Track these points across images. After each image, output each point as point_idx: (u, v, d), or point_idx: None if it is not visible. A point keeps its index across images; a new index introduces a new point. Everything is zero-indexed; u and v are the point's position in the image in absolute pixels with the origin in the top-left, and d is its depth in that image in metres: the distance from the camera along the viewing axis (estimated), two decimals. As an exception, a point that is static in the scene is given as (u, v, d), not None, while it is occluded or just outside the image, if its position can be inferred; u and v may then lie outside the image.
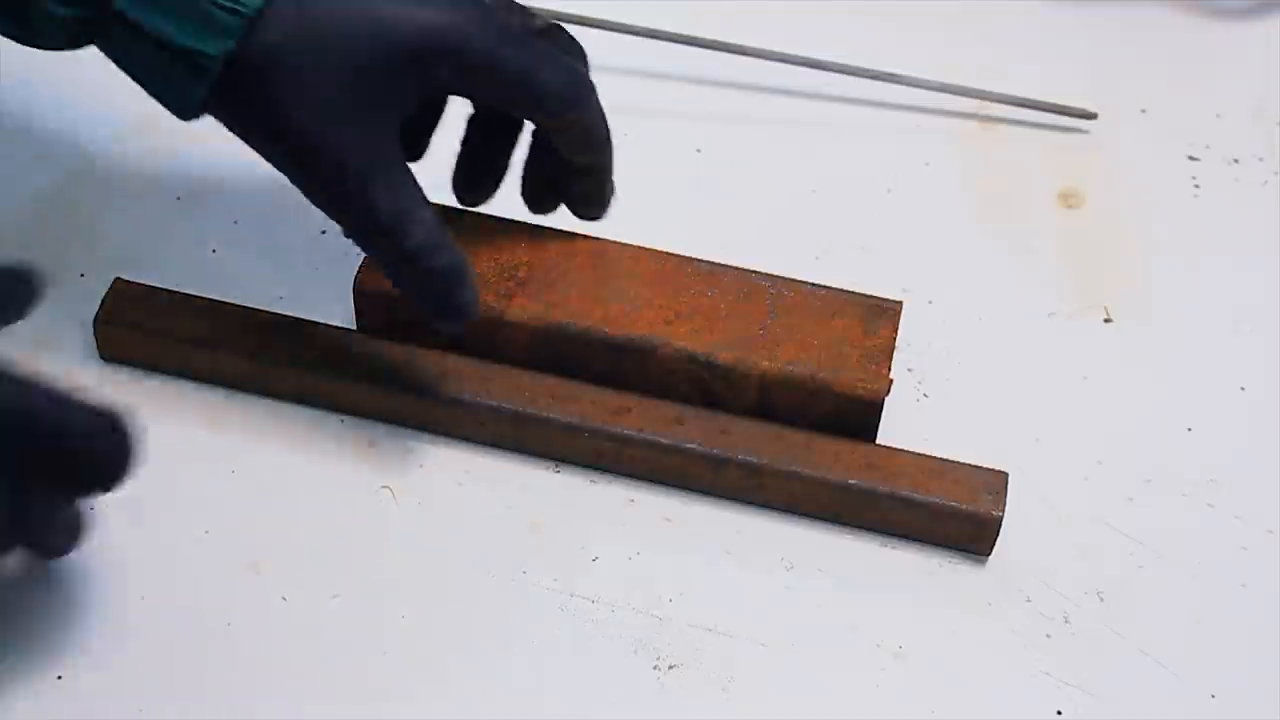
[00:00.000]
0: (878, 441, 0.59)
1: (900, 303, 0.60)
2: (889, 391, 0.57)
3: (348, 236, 0.55)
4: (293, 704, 0.52)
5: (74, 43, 0.54)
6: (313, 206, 0.65)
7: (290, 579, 0.55)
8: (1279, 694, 0.55)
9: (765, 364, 0.57)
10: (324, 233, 0.65)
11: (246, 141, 0.55)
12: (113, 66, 0.65)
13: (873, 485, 0.57)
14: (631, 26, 0.71)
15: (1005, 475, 0.57)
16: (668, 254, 0.61)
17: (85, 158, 0.66)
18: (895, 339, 0.58)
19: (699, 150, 0.68)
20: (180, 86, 0.53)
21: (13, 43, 0.54)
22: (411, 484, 0.58)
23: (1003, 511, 0.57)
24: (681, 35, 0.72)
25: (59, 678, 0.52)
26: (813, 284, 0.60)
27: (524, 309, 0.58)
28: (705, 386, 0.58)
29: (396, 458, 0.59)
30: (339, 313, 0.62)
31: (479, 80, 0.55)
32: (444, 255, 0.55)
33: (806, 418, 0.58)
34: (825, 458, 0.57)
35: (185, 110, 0.54)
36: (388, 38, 0.53)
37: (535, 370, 0.59)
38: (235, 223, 0.65)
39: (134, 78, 0.54)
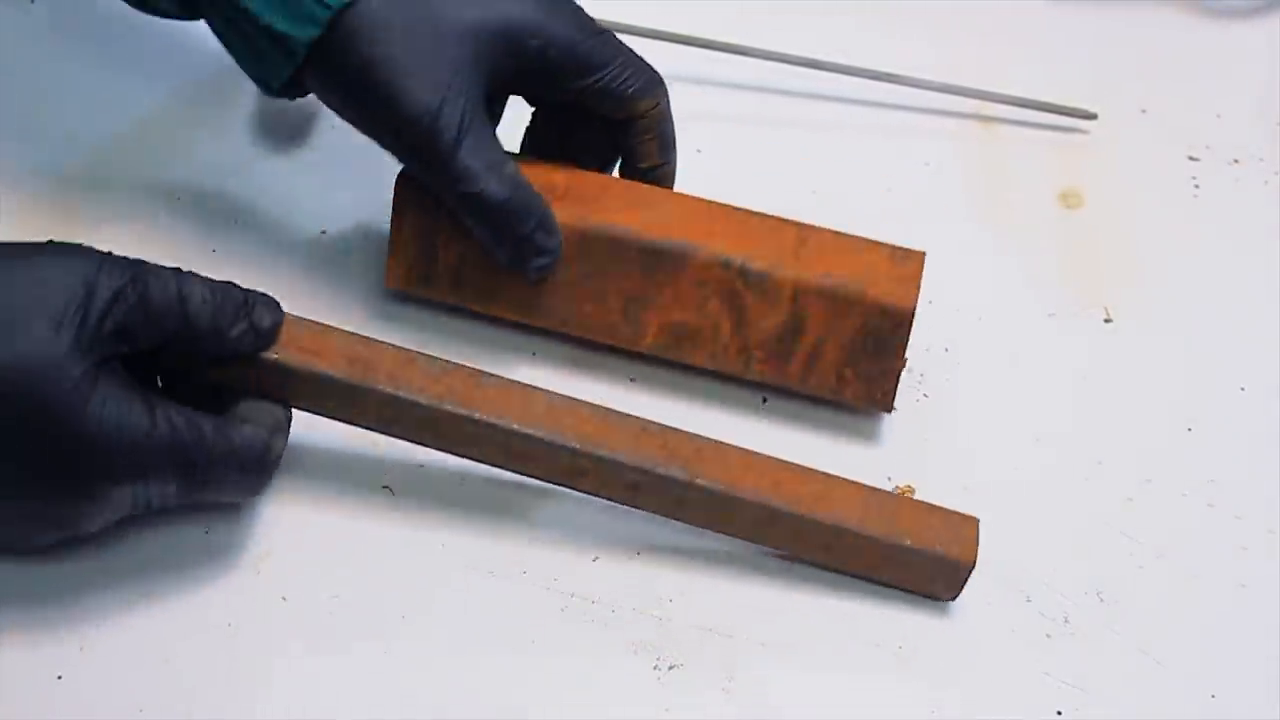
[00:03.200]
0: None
1: (923, 252, 0.60)
2: (916, 306, 0.58)
3: (436, 193, 0.58)
4: (292, 704, 0.52)
5: (187, 10, 0.60)
6: (312, 207, 0.65)
7: (290, 578, 0.55)
8: (1279, 694, 0.55)
9: (799, 273, 0.58)
10: (323, 232, 0.65)
11: (340, 107, 0.58)
12: (111, 66, 0.65)
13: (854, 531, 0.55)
14: (632, 27, 0.71)
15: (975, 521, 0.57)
16: (702, 198, 0.62)
17: (86, 157, 0.66)
18: (921, 274, 0.59)
19: (699, 150, 0.68)
20: (271, 64, 0.58)
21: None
22: (411, 484, 0.58)
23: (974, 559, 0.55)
24: (681, 35, 0.72)
25: (59, 678, 0.52)
26: (838, 230, 0.61)
27: (563, 210, 0.59)
28: (737, 299, 0.59)
29: (397, 457, 0.59)
30: (339, 312, 0.62)
31: (563, 65, 0.58)
32: (530, 202, 0.58)
33: (835, 336, 0.59)
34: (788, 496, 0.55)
35: (271, 86, 0.59)
36: (478, 10, 0.57)
37: (568, 280, 0.59)
38: (235, 223, 0.65)
39: (232, 51, 0.59)
